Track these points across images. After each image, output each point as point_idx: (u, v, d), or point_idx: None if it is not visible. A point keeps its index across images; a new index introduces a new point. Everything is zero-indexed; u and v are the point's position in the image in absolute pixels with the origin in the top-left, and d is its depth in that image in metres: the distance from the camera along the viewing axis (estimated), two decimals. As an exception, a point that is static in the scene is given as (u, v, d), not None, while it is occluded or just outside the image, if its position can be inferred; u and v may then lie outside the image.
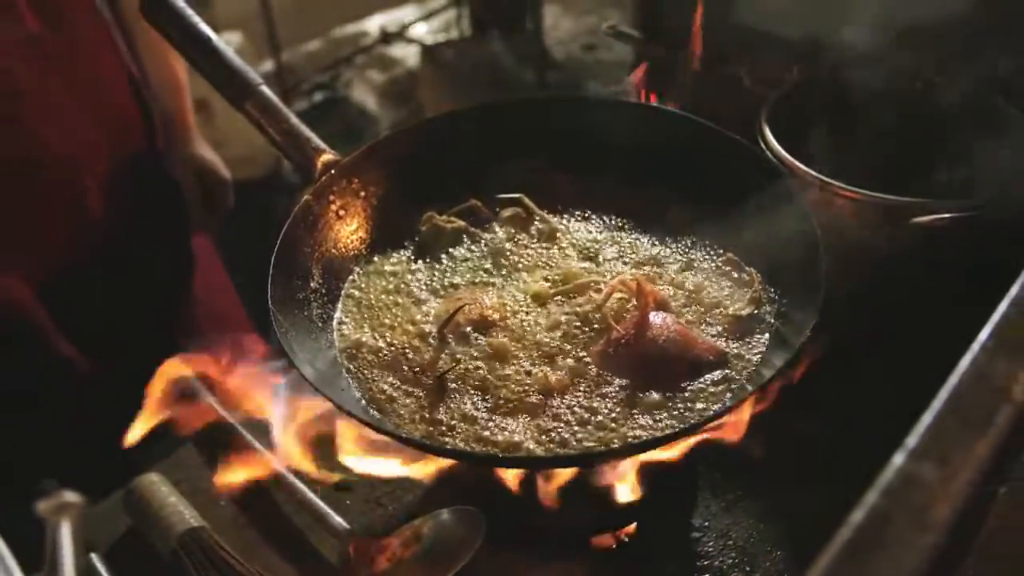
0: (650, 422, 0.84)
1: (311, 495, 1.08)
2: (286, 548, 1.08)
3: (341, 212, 1.06)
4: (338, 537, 1.04)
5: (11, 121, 1.37)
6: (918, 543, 0.43)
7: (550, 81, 2.67)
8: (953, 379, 0.55)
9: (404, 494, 1.13)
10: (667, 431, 0.81)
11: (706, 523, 1.04)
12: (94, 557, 1.04)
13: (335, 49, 3.60)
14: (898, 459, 0.49)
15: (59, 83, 1.44)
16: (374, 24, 3.75)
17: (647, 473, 0.96)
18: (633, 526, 1.03)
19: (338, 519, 1.05)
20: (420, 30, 3.66)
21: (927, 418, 0.52)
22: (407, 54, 3.58)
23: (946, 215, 1.06)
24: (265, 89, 1.05)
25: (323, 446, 0.97)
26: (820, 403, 1.13)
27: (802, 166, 1.13)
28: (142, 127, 1.62)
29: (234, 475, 1.08)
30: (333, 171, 1.04)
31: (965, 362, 0.56)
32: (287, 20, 3.12)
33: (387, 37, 3.44)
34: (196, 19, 1.06)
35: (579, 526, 1.04)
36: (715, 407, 0.83)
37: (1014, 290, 0.62)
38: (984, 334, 0.58)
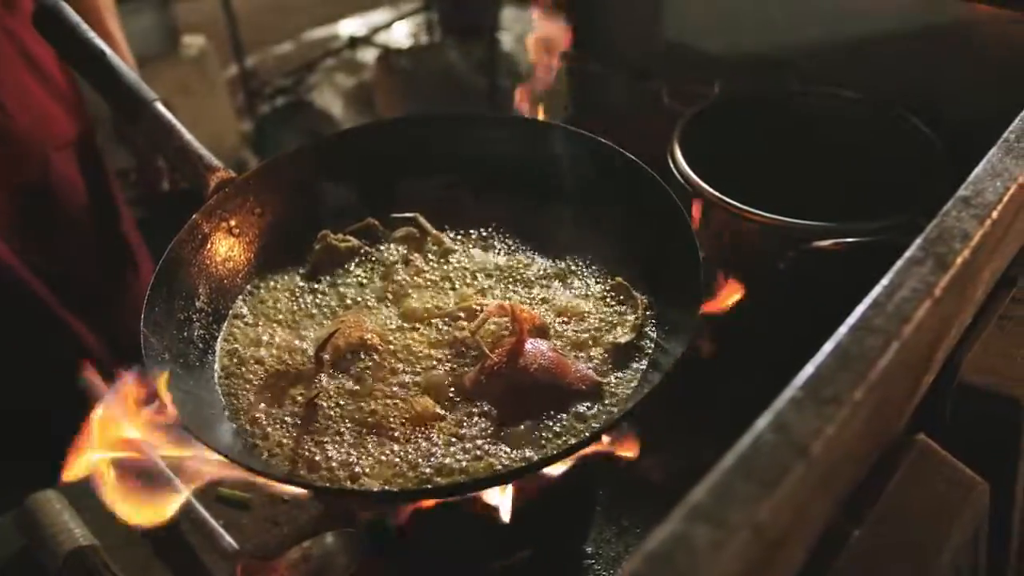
0: (516, 452, 0.82)
1: (204, 513, 1.07)
2: (178, 568, 1.07)
3: (235, 231, 1.04)
4: (226, 557, 1.03)
5: None
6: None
7: (502, 89, 2.66)
8: (753, 431, 0.52)
9: (301, 514, 1.11)
10: (524, 462, 0.80)
11: (599, 551, 1.03)
12: (-18, 577, 1.03)
13: (304, 53, 3.57)
14: (674, 518, 0.47)
15: (17, 59, 1.54)
16: (345, 28, 3.72)
17: (540, 499, 0.94)
18: (525, 553, 1.02)
19: (228, 539, 1.04)
20: (390, 35, 3.64)
21: (713, 474, 0.49)
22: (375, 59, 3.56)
23: (847, 239, 1.05)
24: (159, 105, 1.04)
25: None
26: (720, 427, 1.11)
27: (707, 187, 1.12)
28: (78, 106, 1.69)
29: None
30: (227, 189, 1.03)
31: (769, 412, 0.54)
32: (256, 23, 3.09)
33: (355, 42, 3.42)
34: (90, 33, 1.05)
35: (468, 553, 1.03)
36: (578, 437, 0.82)
37: (841, 331, 0.60)
38: (798, 381, 0.56)
